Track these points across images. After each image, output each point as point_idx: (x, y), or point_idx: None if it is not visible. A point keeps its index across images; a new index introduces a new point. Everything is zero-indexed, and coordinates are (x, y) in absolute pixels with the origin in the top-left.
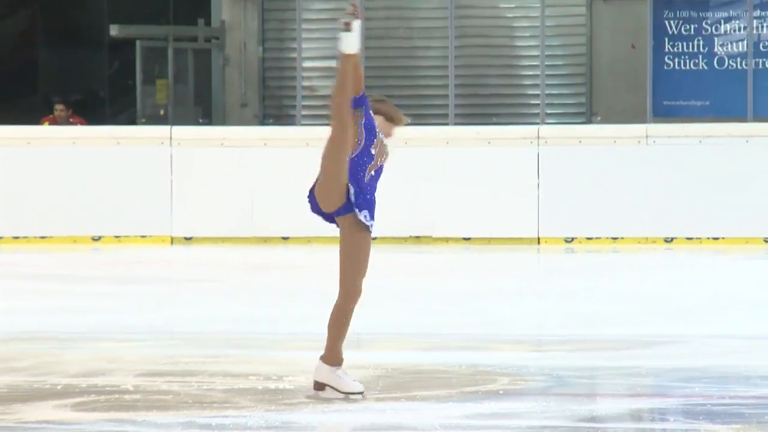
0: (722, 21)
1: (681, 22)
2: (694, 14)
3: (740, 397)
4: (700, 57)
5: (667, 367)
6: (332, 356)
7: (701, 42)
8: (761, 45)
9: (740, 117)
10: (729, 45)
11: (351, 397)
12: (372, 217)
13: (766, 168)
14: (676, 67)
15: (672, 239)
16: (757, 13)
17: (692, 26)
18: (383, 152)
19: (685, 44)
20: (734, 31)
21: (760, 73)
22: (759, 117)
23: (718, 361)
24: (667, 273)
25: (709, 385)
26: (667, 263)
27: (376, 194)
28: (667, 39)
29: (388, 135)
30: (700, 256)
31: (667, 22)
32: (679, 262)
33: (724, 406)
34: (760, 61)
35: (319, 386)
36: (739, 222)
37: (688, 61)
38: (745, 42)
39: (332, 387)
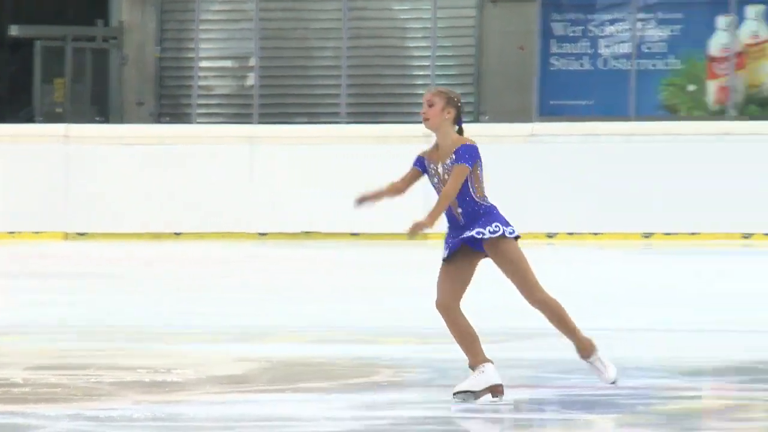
0: (607, 23)
1: (568, 24)
2: (580, 16)
3: (616, 388)
4: (586, 58)
5: (547, 359)
6: (472, 360)
7: (587, 43)
8: (644, 47)
9: (623, 116)
10: (613, 46)
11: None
12: (448, 247)
13: (646, 165)
14: (563, 67)
15: (554, 234)
16: (642, 15)
17: (578, 28)
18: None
19: (571, 45)
20: (618, 33)
21: (643, 74)
22: (641, 116)
23: None
24: (548, 266)
25: (586, 376)
26: (549, 258)
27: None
28: (554, 40)
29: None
30: (580, 250)
31: (554, 24)
32: (561, 258)
33: (600, 397)
34: (643, 62)
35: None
36: (620, 218)
37: (574, 61)
38: (628, 44)
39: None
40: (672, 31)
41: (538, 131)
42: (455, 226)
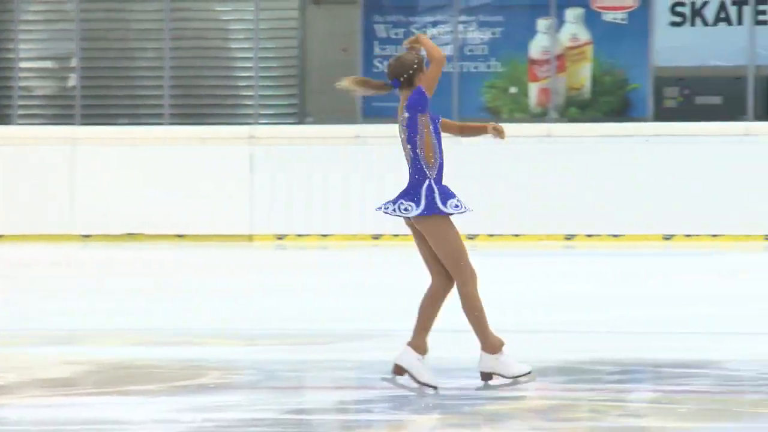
0: (429, 25)
1: (390, 26)
2: (402, 18)
3: (442, 389)
4: None
5: (372, 360)
6: (488, 344)
7: None
8: (466, 49)
9: (446, 118)
10: None
11: (520, 380)
12: (460, 202)
13: (469, 167)
14: (385, 69)
15: (380, 236)
16: (463, 18)
17: (400, 30)
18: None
19: (393, 47)
20: (440, 35)
21: (465, 76)
22: (463, 118)
23: None
24: (373, 270)
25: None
26: (375, 260)
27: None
28: (377, 42)
29: (436, 76)
30: (405, 252)
31: (376, 26)
32: (390, 259)
33: (426, 398)
34: (465, 64)
35: (487, 376)
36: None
37: None
38: (450, 46)
39: (499, 374)
40: (493, 33)
41: (363, 133)
42: (440, 177)
